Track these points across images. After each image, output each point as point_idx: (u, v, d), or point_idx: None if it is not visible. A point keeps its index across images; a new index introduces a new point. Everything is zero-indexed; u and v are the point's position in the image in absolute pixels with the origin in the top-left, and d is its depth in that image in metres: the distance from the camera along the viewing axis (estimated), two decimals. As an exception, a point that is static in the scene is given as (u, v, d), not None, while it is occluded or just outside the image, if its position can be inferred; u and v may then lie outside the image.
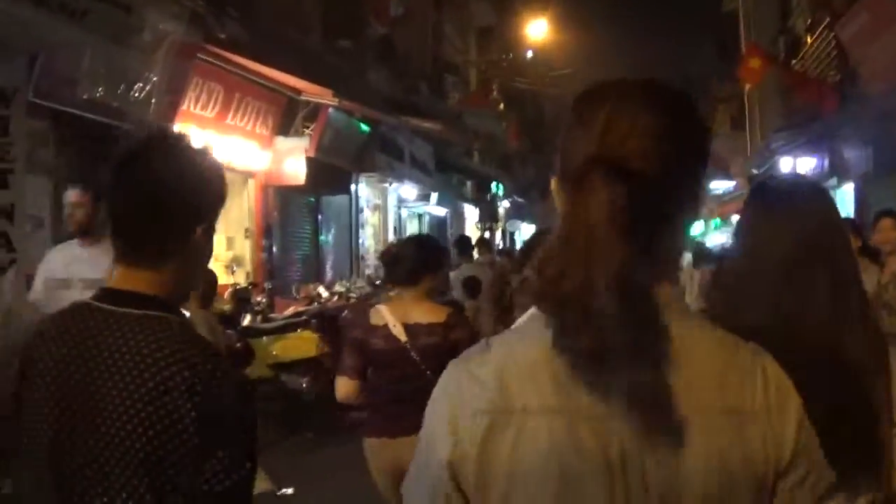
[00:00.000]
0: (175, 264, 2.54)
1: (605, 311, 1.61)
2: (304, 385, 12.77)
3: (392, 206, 29.21)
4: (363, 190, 25.52)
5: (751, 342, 1.85)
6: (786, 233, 2.91)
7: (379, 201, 28.31)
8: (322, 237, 22.55)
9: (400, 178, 26.82)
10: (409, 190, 28.42)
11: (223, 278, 14.87)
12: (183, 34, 13.50)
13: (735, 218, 24.36)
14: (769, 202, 3.08)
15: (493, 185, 40.26)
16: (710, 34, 52.08)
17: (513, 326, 2.10)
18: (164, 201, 2.50)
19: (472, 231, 34.05)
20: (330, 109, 19.51)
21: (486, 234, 34.43)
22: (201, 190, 2.61)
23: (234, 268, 17.28)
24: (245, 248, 18.51)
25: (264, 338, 13.38)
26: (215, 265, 13.28)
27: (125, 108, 12.78)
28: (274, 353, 13.10)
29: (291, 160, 18.48)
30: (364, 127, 22.35)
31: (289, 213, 20.45)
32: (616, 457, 1.68)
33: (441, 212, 34.54)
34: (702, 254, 18.34)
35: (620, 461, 1.68)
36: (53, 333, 2.52)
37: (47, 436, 2.42)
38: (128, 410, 2.32)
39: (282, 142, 18.72)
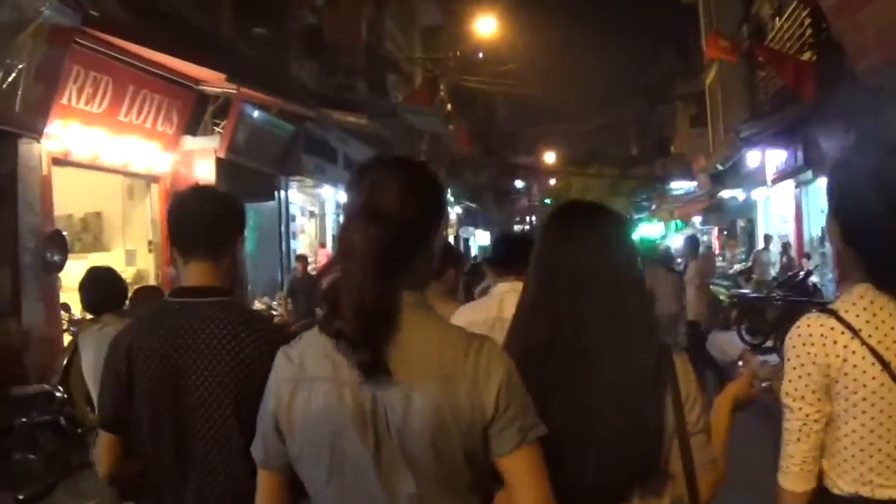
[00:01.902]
0: (228, 258, 3.74)
1: (349, 307, 2.55)
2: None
3: (330, 213, 27.38)
4: (295, 196, 23.62)
5: (471, 334, 2.72)
6: (568, 254, 3.18)
7: (314, 208, 26.37)
8: (245, 248, 20.14)
9: (333, 182, 24.63)
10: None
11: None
12: (54, 15, 11.49)
13: (696, 219, 23.07)
14: (560, 225, 3.33)
15: (442, 189, 38.50)
16: (669, 32, 51.17)
17: None
18: (222, 216, 3.80)
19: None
20: (244, 105, 17.39)
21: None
22: (238, 210, 3.92)
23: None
24: (149, 262, 16.43)
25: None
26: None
27: None
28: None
29: (201, 162, 16.41)
30: (287, 125, 20.22)
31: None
32: (368, 409, 2.58)
33: (385, 218, 32.55)
34: (669, 258, 18.46)
35: (371, 412, 2.57)
36: (147, 325, 3.65)
37: (159, 394, 3.51)
38: (217, 366, 3.45)
39: (190, 142, 16.67)
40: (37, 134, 12.09)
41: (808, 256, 23.70)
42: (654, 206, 54.45)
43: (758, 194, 29.95)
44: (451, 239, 42.41)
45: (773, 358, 13.28)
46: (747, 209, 32.59)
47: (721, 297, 22.66)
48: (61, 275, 12.88)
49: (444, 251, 4.90)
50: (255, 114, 18.40)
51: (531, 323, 3.17)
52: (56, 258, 12.40)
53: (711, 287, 19.66)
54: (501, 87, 43.80)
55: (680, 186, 47.50)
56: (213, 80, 15.82)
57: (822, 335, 3.12)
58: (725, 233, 38.65)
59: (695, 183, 42.77)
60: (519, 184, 71.92)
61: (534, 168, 69.38)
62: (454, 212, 44.80)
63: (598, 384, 3.02)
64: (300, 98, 18.85)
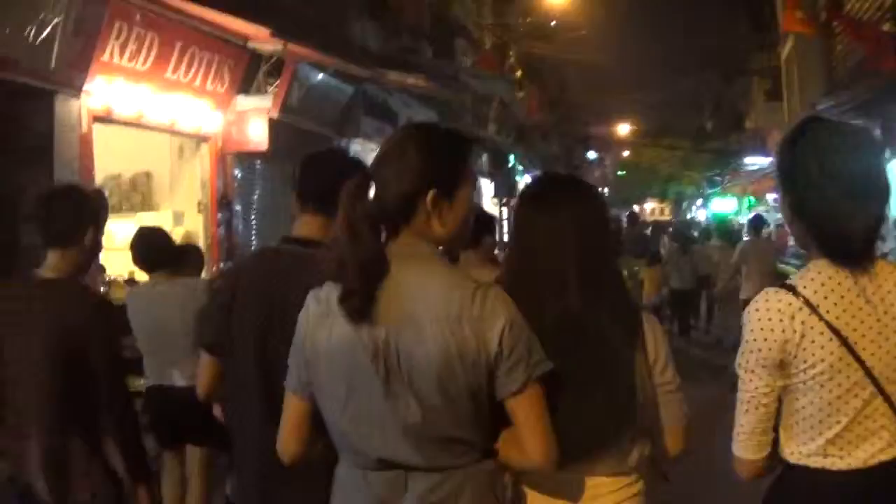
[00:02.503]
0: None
1: (349, 263, 2.96)
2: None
3: (393, 176, 26.62)
4: (357, 159, 22.83)
5: (479, 281, 3.06)
6: (543, 225, 3.50)
7: (376, 171, 25.75)
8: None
9: (394, 146, 24.08)
10: (411, 160, 25.97)
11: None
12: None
13: (770, 196, 22.62)
14: (533, 199, 3.66)
15: (510, 157, 37.99)
16: (744, 5, 49.96)
17: None
18: (340, 176, 3.44)
19: (490, 207, 32.76)
20: (299, 64, 16.89)
21: (504, 210, 34.36)
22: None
23: (186, 247, 14.66)
24: (198, 223, 16.00)
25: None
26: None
27: (15, 55, 10.50)
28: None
29: (254, 122, 15.91)
30: (345, 86, 19.63)
31: (259, 183, 17.85)
32: (381, 344, 2.93)
33: (450, 185, 31.92)
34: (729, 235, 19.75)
35: (384, 346, 2.93)
36: (251, 264, 4.49)
37: (252, 325, 4.01)
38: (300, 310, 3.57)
39: (242, 101, 16.09)
40: (75, 90, 11.68)
41: (883, 239, 22.83)
42: (726, 182, 53.46)
43: (833, 172, 28.99)
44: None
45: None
46: (823, 187, 31.61)
47: (793, 277, 22.05)
48: (106, 235, 12.52)
49: (480, 221, 4.74)
50: (311, 74, 17.86)
51: (516, 294, 3.27)
52: (95, 217, 11.99)
53: (782, 266, 19.15)
54: (573, 55, 43.08)
55: (754, 162, 46.42)
56: (259, 37, 15.24)
57: (779, 310, 3.17)
58: (799, 210, 37.78)
59: (770, 159, 41.75)
60: (591, 155, 71.22)
61: (606, 139, 68.63)
62: (523, 180, 44.27)
63: (582, 351, 3.31)
64: (357, 58, 18.29)
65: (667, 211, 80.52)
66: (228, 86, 15.68)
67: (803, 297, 3.14)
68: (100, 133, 12.73)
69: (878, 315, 3.12)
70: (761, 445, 3.30)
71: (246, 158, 16.88)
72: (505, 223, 33.24)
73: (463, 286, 2.98)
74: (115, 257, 12.17)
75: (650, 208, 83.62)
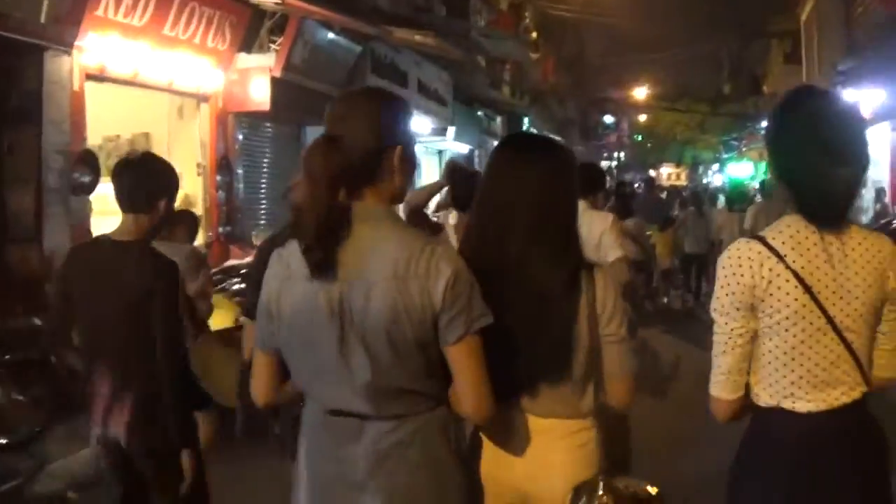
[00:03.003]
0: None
1: (308, 218, 3.04)
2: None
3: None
4: (364, 121, 22.34)
5: (431, 237, 3.28)
6: (505, 177, 3.65)
7: (386, 134, 25.26)
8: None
9: (403, 108, 23.55)
10: (421, 122, 25.24)
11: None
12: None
13: None
14: (504, 153, 3.79)
15: (525, 120, 37.51)
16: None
17: None
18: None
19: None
20: (303, 21, 16.33)
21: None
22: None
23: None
24: (197, 186, 15.57)
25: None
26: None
27: (3, 9, 10.14)
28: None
29: (256, 81, 15.50)
30: (352, 45, 19.06)
31: (261, 145, 17.46)
32: (336, 302, 3.07)
33: (463, 148, 31.40)
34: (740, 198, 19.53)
35: (339, 304, 3.07)
36: (285, 236, 3.84)
37: None
38: None
39: (244, 59, 15.70)
40: (66, 46, 11.25)
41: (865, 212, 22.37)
42: (743, 146, 52.96)
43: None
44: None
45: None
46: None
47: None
48: (102, 199, 12.11)
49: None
50: (317, 31, 17.32)
51: (469, 238, 3.67)
52: (86, 179, 11.59)
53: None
54: (589, 16, 42.46)
55: (771, 126, 46.08)
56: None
57: (749, 258, 3.40)
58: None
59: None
60: (608, 119, 70.63)
61: (623, 102, 68.00)
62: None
63: (520, 293, 3.47)
64: (363, 14, 17.75)
65: (683, 176, 79.95)
66: (230, 43, 15.23)
67: (771, 247, 3.38)
68: (97, 93, 12.34)
69: (839, 270, 3.35)
70: (737, 385, 3.49)
71: (247, 118, 16.48)
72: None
73: (412, 245, 3.10)
74: (110, 223, 11.77)
75: (667, 173, 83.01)
